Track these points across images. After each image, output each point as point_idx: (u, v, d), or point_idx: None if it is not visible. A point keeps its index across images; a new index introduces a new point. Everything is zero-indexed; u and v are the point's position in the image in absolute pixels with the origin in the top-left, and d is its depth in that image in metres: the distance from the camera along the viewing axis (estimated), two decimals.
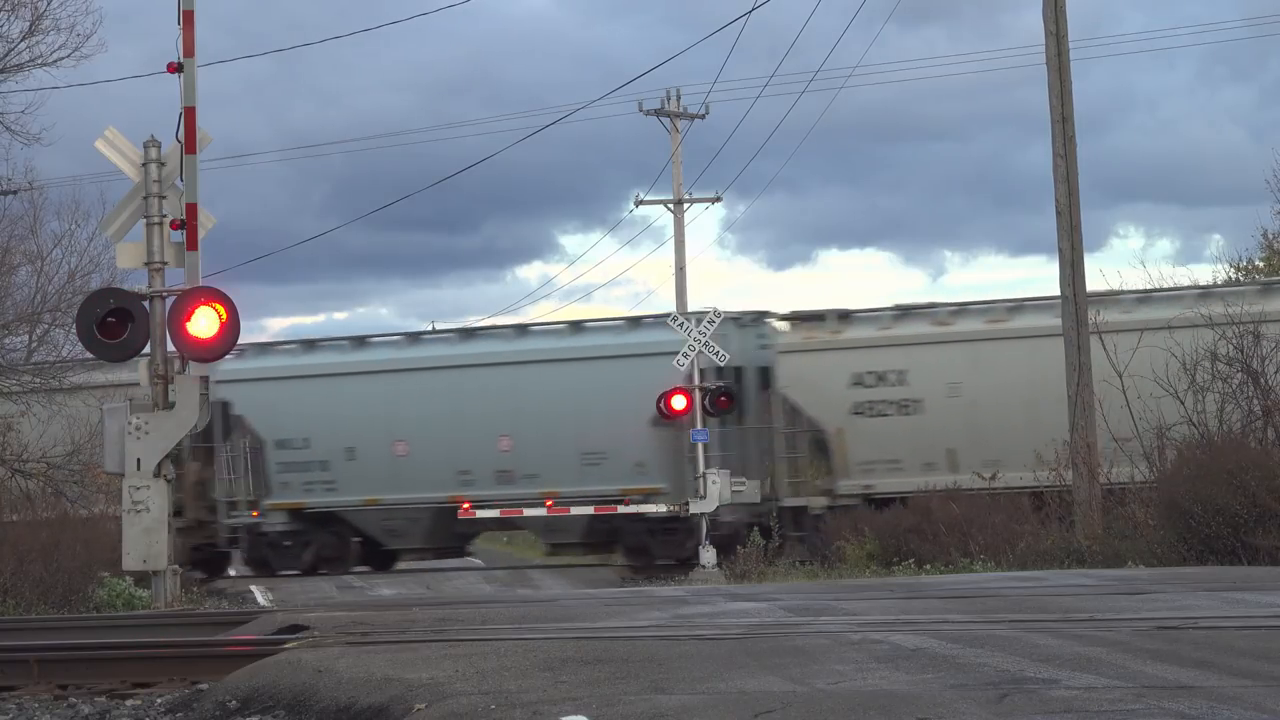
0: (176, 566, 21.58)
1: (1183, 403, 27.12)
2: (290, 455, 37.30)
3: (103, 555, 23.43)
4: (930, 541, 27.17)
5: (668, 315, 35.06)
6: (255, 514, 37.61)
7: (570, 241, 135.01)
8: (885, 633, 12.24)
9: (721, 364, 32.04)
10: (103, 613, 21.41)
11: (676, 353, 32.55)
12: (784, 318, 35.81)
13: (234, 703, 11.53)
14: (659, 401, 32.60)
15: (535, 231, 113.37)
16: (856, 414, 33.73)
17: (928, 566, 25.90)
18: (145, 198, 21.17)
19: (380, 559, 38.59)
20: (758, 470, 34.32)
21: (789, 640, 12.03)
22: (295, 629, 14.67)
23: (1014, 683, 9.35)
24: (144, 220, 21.20)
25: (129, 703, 12.66)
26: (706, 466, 31.95)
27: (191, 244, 21.03)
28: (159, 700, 12.56)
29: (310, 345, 38.95)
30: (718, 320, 32.31)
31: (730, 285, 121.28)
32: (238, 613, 19.40)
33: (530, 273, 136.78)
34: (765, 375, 35.15)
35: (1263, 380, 26.68)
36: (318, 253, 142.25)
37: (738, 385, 34.53)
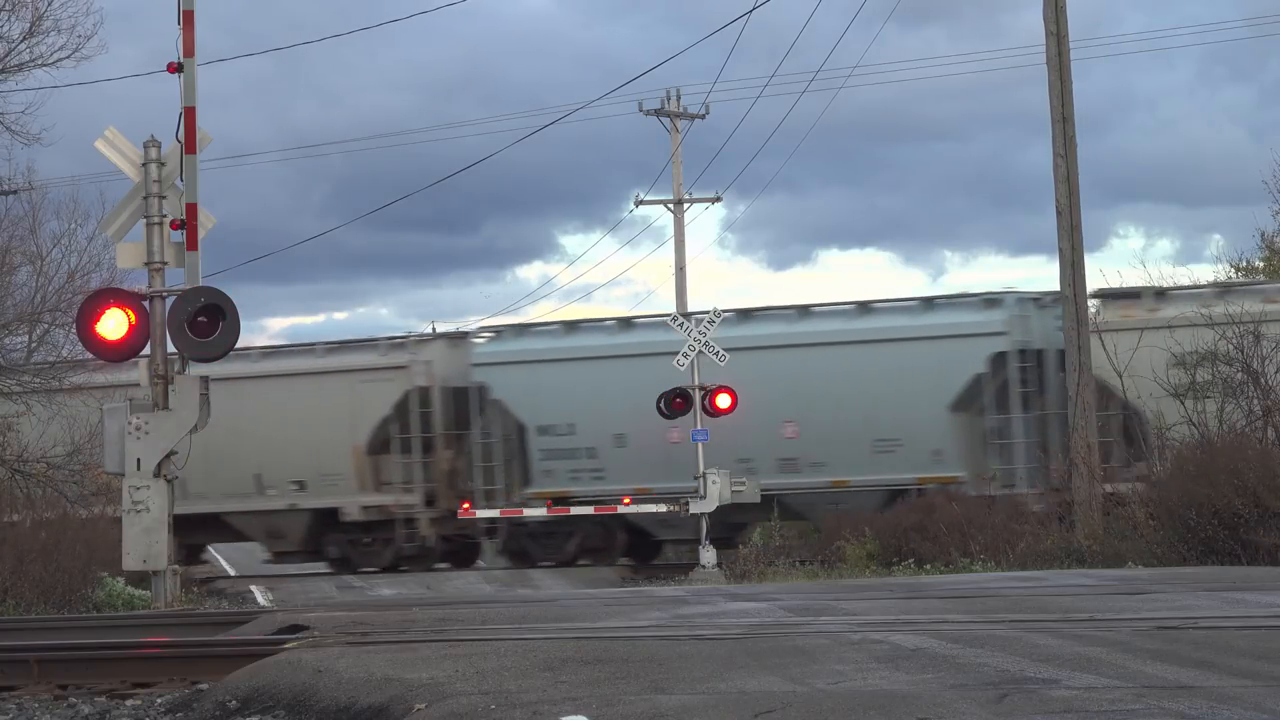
0: (176, 566, 21.59)
1: (1183, 403, 27.12)
2: (554, 442, 35.59)
3: (103, 555, 23.43)
4: (930, 541, 27.18)
5: (963, 295, 33.78)
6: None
7: (570, 241, 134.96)
8: (885, 633, 12.24)
9: (721, 364, 31.87)
10: (103, 613, 21.42)
11: (972, 335, 31.35)
12: (1094, 295, 32.02)
13: (234, 703, 11.53)
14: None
15: (535, 231, 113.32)
16: (1177, 396, 29.22)
17: (928, 566, 25.91)
18: (145, 198, 21.17)
19: (647, 550, 36.94)
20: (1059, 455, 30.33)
21: (789, 640, 12.03)
22: (295, 629, 14.67)
23: (1014, 683, 9.35)
24: (144, 220, 21.21)
25: (129, 703, 12.66)
26: (707, 466, 31.88)
27: (191, 244, 21.04)
28: (159, 700, 12.56)
29: (572, 326, 37.17)
30: (717, 320, 32.20)
31: (730, 285, 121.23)
32: (238, 613, 19.40)
33: (530, 273, 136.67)
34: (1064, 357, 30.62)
35: (1263, 380, 26.68)
36: (318, 253, 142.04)
37: (1038, 368, 32.66)
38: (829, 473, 33.33)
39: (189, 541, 38.28)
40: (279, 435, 36.76)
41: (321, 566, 37.96)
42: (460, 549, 37.44)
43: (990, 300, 33.25)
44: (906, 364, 32.63)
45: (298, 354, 38.78)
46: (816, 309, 35.15)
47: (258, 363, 37.93)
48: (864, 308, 34.43)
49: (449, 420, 36.72)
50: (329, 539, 37.26)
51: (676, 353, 31.83)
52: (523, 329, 37.68)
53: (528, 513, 34.64)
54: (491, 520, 35.45)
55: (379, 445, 36.60)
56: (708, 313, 32.48)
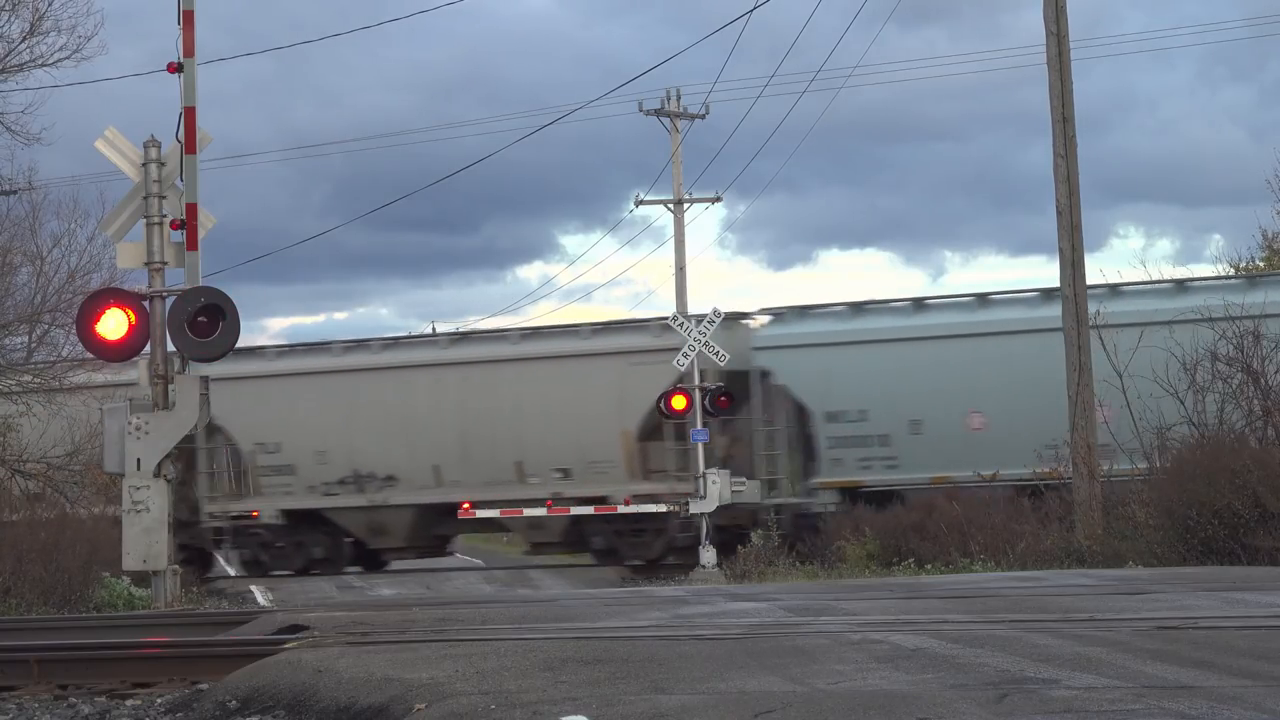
0: (176, 566, 21.59)
1: (1183, 403, 27.11)
2: (844, 429, 34.42)
3: (103, 555, 23.44)
4: (930, 541, 27.19)
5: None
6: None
7: (571, 242, 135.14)
8: (885, 633, 12.24)
9: (722, 364, 31.85)
10: (103, 613, 21.42)
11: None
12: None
13: (234, 703, 11.53)
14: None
15: (536, 232, 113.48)
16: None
17: (928, 566, 25.92)
18: (145, 198, 21.18)
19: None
20: None
21: (789, 640, 12.03)
22: (295, 629, 14.67)
23: (1014, 683, 9.35)
24: (144, 220, 21.22)
25: (129, 703, 12.66)
26: (709, 466, 31.88)
27: (191, 244, 21.04)
28: (159, 700, 12.56)
29: (859, 308, 35.93)
30: (718, 320, 32.17)
31: (731, 285, 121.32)
32: (238, 613, 19.39)
33: (531, 273, 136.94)
34: None
35: (1263, 380, 26.67)
36: (318, 253, 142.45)
37: None
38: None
39: (438, 532, 37.90)
40: (541, 421, 35.66)
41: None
42: (732, 539, 34.42)
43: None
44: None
45: (559, 336, 37.51)
46: (1127, 288, 33.23)
47: (518, 344, 37.05)
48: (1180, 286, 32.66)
49: (736, 410, 35.02)
50: (594, 530, 35.88)
51: (979, 335, 31.82)
52: (805, 311, 36.18)
53: (528, 512, 34.63)
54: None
55: (650, 431, 35.35)
56: (707, 314, 32.48)
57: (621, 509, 34.05)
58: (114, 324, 20.62)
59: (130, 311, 20.68)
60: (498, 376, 35.76)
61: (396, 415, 36.44)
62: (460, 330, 41.26)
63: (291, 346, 39.68)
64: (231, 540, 38.45)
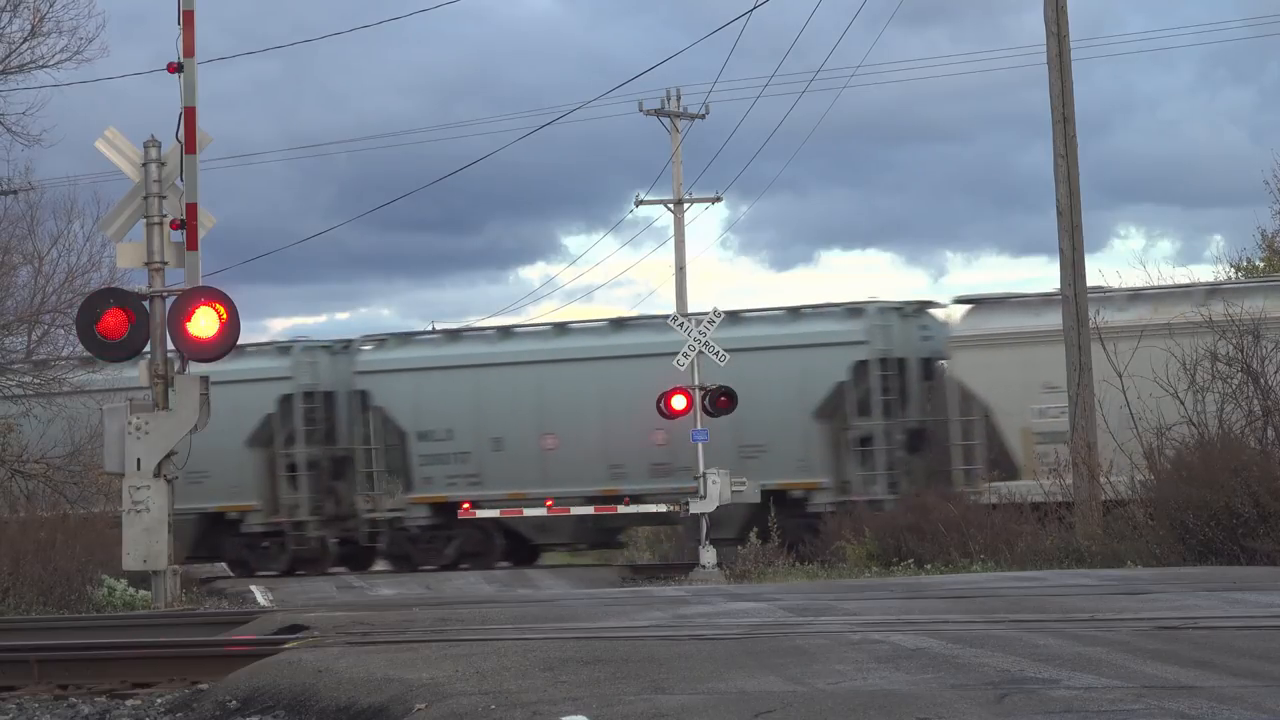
0: (176, 566, 21.59)
1: (1183, 403, 27.09)
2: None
3: (102, 555, 23.43)
4: (930, 541, 27.16)
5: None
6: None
7: (573, 242, 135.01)
8: (885, 633, 12.23)
9: (722, 364, 31.84)
10: (103, 613, 21.42)
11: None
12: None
13: (234, 703, 11.53)
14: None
15: (538, 232, 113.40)
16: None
17: (927, 566, 25.90)
18: (145, 198, 21.19)
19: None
20: None
21: (789, 640, 12.03)
22: (295, 629, 14.67)
23: (1014, 683, 9.35)
24: (144, 220, 21.22)
25: (129, 703, 12.66)
26: (707, 466, 31.87)
27: (191, 244, 21.05)
28: (159, 700, 12.56)
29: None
30: (718, 320, 32.18)
31: (732, 285, 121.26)
32: (238, 613, 19.39)
33: (533, 273, 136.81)
34: None
35: (1263, 380, 26.66)
36: (321, 253, 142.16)
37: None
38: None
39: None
40: None
41: None
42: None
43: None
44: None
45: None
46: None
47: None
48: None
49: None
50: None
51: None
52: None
53: (528, 512, 34.65)
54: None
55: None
56: (707, 313, 32.54)
57: (621, 509, 34.05)
58: (115, 324, 20.63)
59: (130, 311, 20.69)
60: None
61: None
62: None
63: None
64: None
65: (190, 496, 30.74)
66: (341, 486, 37.42)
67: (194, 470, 23.28)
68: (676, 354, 31.77)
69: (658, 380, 32.35)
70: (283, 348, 38.21)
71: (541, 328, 38.24)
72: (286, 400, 37.00)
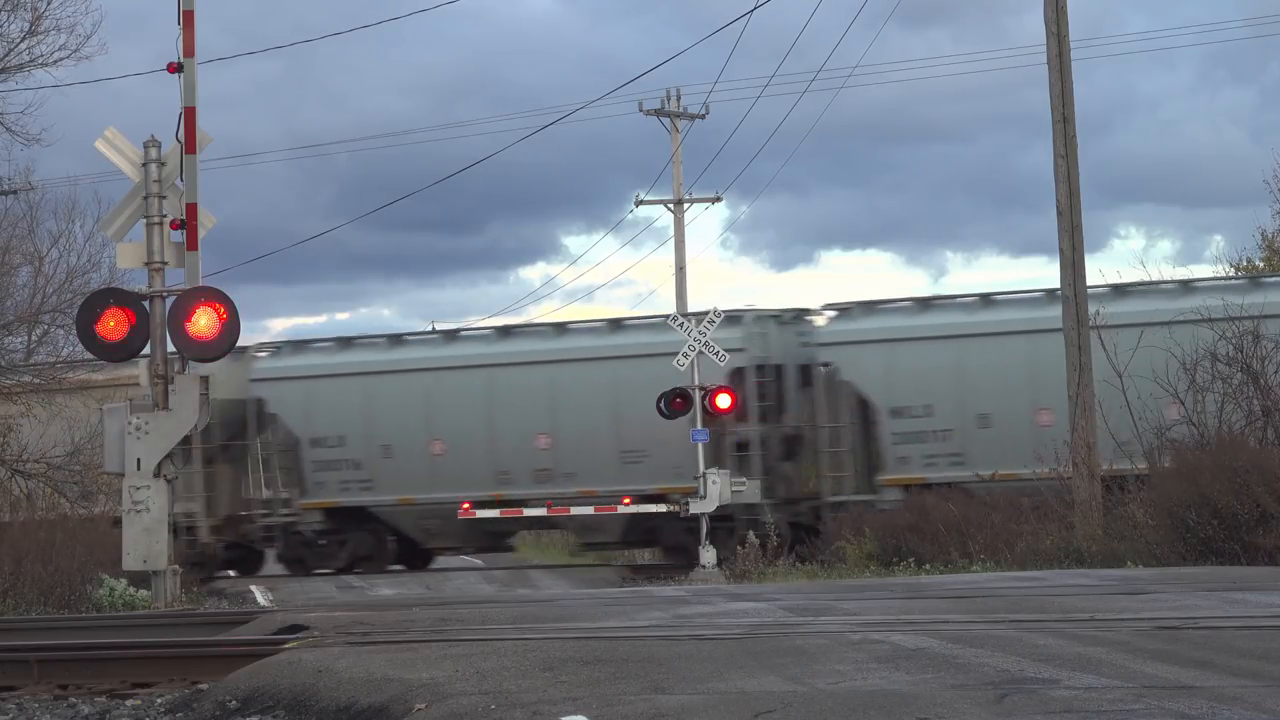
0: (176, 566, 21.60)
1: (1183, 403, 27.09)
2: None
3: (102, 555, 23.43)
4: (930, 541, 27.16)
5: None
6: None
7: (573, 242, 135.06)
8: (885, 633, 12.23)
9: (722, 364, 31.82)
10: (103, 613, 21.42)
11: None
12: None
13: (234, 703, 11.53)
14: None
15: (539, 232, 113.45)
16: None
17: (927, 566, 25.90)
18: (145, 198, 21.19)
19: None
20: None
21: (789, 640, 12.02)
22: (295, 629, 14.67)
23: (1014, 683, 9.35)
24: (144, 220, 21.23)
25: (129, 703, 12.66)
26: (707, 466, 31.86)
27: (191, 244, 21.06)
28: (159, 700, 12.56)
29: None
30: (718, 320, 32.17)
31: (732, 285, 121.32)
32: (238, 613, 19.39)
33: (534, 273, 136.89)
34: None
35: (1262, 380, 26.66)
36: (322, 253, 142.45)
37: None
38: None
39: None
40: None
41: None
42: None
43: (730, 317, 33.92)
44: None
45: None
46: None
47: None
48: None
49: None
50: None
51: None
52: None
53: (528, 512, 34.66)
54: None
55: None
56: (708, 313, 32.54)
57: (621, 509, 34.05)
58: (114, 324, 20.63)
59: (130, 311, 20.69)
60: None
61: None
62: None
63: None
64: None
65: None
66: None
67: None
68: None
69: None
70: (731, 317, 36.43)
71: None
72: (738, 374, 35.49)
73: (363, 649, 12.61)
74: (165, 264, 21.10)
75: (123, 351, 21.17)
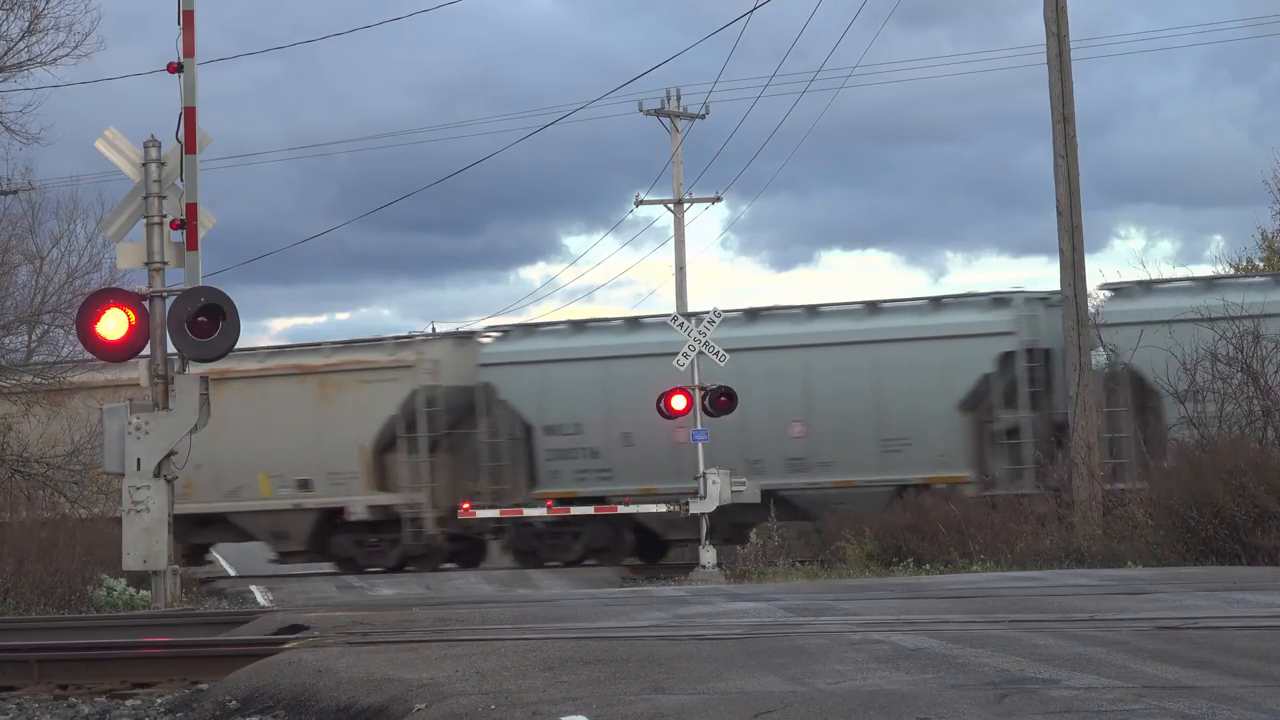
0: (176, 566, 21.59)
1: (1183, 403, 27.10)
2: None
3: (103, 555, 23.43)
4: (929, 541, 27.17)
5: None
6: None
7: (574, 242, 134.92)
8: (885, 633, 12.23)
9: (722, 364, 31.78)
10: (103, 613, 21.42)
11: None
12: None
13: (234, 703, 11.53)
14: (658, 401, 32.01)
15: (539, 232, 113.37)
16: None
17: (927, 566, 25.90)
18: (145, 198, 21.19)
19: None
20: None
21: (789, 640, 12.03)
22: (295, 629, 14.67)
23: (1014, 683, 9.35)
24: (144, 220, 21.23)
25: (129, 703, 12.66)
26: (707, 466, 31.83)
27: (191, 244, 21.06)
28: (159, 700, 12.56)
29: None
30: (718, 320, 32.12)
31: (732, 285, 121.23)
32: (238, 613, 19.39)
33: (534, 273, 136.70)
34: None
35: (1262, 380, 26.67)
36: (322, 253, 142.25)
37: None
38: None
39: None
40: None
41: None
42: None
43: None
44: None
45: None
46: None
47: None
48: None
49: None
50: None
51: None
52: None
53: (528, 512, 34.58)
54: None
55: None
56: (709, 312, 32.45)
57: (621, 509, 34.01)
58: (114, 324, 20.63)
59: (130, 311, 20.69)
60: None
61: None
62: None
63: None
64: None
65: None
66: None
67: None
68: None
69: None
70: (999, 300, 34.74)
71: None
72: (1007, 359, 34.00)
73: (363, 649, 12.61)
74: (165, 264, 21.10)
75: (123, 352, 21.16)
